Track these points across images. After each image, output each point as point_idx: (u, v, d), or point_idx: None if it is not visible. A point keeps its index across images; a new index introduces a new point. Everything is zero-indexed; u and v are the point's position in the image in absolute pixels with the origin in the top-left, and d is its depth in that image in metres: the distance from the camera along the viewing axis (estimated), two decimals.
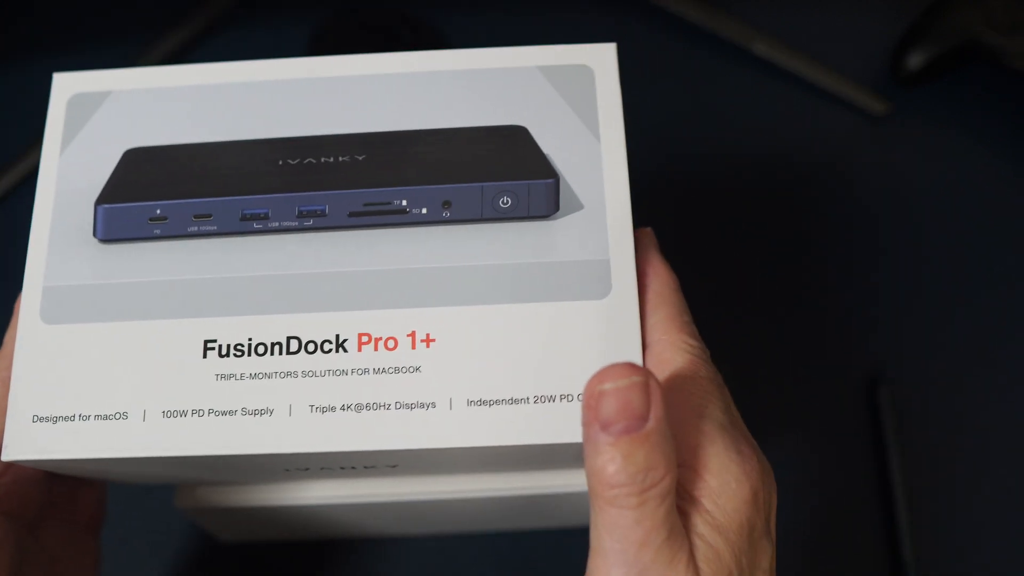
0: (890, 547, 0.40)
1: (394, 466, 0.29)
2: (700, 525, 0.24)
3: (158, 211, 0.27)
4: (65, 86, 0.30)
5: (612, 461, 0.22)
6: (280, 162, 0.28)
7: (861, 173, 0.47)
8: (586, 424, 0.23)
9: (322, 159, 0.28)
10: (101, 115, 0.29)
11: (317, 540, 0.40)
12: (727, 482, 0.24)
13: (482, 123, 0.28)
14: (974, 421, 0.42)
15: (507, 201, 0.27)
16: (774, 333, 0.44)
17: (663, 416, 0.22)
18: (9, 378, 0.27)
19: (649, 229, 0.29)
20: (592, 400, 0.23)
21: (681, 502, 0.24)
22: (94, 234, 0.28)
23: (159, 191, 0.28)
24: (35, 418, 0.26)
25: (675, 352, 0.26)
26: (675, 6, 0.51)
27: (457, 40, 0.51)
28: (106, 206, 0.27)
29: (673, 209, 0.46)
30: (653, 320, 0.27)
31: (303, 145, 0.28)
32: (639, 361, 0.26)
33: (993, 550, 0.39)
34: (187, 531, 0.39)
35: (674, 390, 0.25)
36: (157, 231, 0.27)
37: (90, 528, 0.33)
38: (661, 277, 0.27)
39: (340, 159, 0.28)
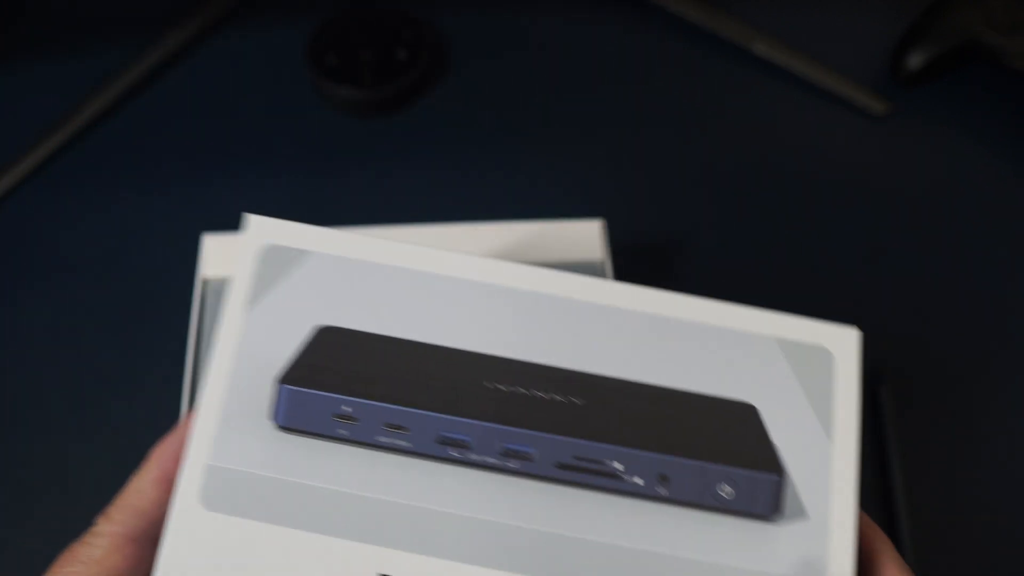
0: None
1: None
2: None
3: (348, 409, 0.24)
4: (260, 231, 0.26)
5: None
6: (487, 384, 0.25)
7: (861, 173, 0.47)
8: None
9: (534, 392, 0.25)
10: (297, 278, 0.26)
11: None
12: None
13: (709, 388, 0.26)
14: (975, 421, 0.42)
15: (727, 490, 0.25)
16: None
17: None
18: (127, 535, 0.24)
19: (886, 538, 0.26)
20: None
21: None
22: (273, 417, 0.24)
23: (352, 385, 0.25)
24: None
25: None
26: (675, 6, 0.51)
27: (458, 40, 0.51)
28: (291, 388, 0.24)
29: (672, 208, 0.46)
30: None
31: (515, 371, 0.25)
32: None
33: (993, 550, 0.39)
34: None
35: None
36: (343, 432, 0.24)
37: None
38: None
39: (555, 398, 0.25)
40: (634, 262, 0.44)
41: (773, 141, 0.48)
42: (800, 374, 0.26)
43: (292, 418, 0.24)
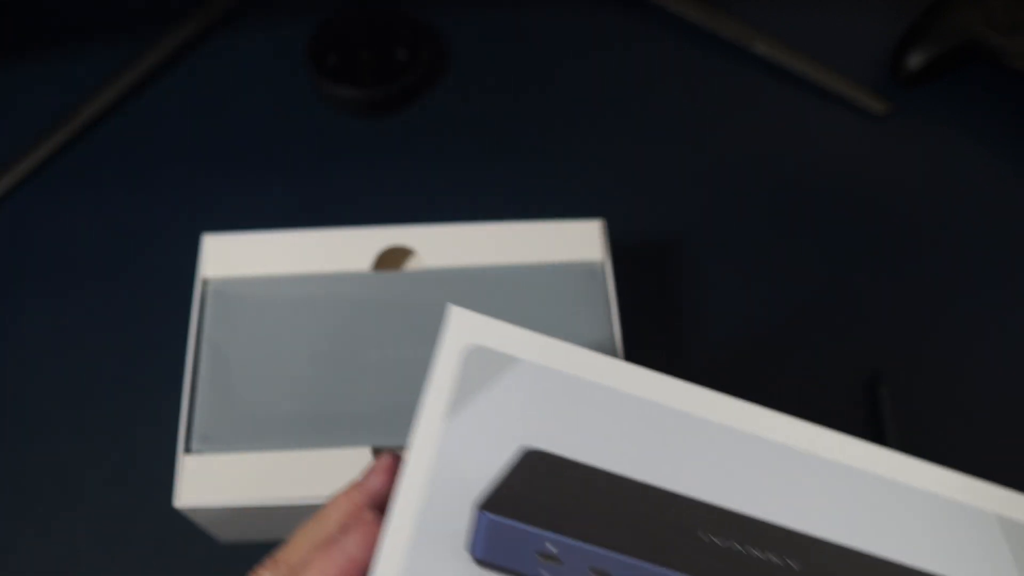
0: None
1: None
2: None
3: (552, 548, 0.22)
4: (465, 326, 0.24)
5: None
6: (702, 535, 0.23)
7: (861, 173, 0.47)
8: None
9: (750, 550, 0.23)
10: (503, 387, 0.23)
11: None
12: None
13: (925, 561, 0.24)
14: (974, 420, 0.42)
15: None
16: (773, 331, 0.44)
17: None
18: None
19: None
20: None
21: None
22: (470, 548, 0.22)
23: (559, 521, 0.22)
24: None
25: None
26: (675, 6, 0.51)
27: (458, 40, 0.51)
28: (492, 517, 0.22)
29: (672, 208, 0.46)
30: None
31: (730, 523, 0.23)
32: None
33: None
34: (187, 531, 0.39)
35: None
36: (545, 573, 0.22)
37: None
38: None
39: (771, 559, 0.23)
40: (634, 262, 0.44)
41: (773, 141, 0.48)
42: (1018, 557, 0.24)
43: (491, 551, 0.22)
